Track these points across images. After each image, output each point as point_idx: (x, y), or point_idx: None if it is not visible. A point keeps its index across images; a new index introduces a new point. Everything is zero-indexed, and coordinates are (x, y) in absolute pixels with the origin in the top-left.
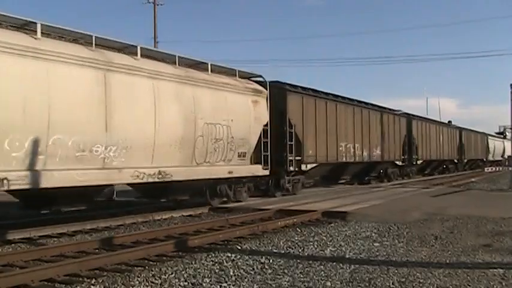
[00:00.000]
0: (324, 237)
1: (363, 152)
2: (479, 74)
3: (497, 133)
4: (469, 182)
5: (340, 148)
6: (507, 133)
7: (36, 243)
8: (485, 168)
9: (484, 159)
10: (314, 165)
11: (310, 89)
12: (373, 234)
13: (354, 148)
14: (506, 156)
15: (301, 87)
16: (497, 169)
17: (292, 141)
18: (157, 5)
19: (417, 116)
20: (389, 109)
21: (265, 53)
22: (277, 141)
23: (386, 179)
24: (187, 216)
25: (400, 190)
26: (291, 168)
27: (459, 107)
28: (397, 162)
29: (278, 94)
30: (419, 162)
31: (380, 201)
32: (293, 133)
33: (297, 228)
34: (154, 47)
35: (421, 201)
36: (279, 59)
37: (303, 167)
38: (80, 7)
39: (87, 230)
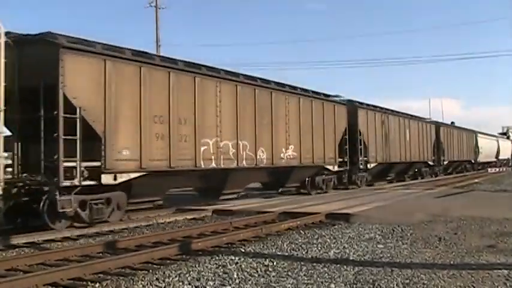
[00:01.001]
0: (328, 239)
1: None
2: (483, 75)
3: (500, 133)
4: (473, 183)
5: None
6: (510, 134)
7: (39, 248)
8: (489, 169)
9: (472, 161)
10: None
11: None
12: (376, 236)
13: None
14: (500, 158)
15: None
16: (502, 170)
17: (361, 145)
18: (160, 8)
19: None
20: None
21: (267, 55)
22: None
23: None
24: (190, 219)
25: (403, 192)
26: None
27: (462, 108)
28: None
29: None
30: (372, 165)
31: (383, 202)
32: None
33: (301, 231)
34: (157, 50)
35: (425, 202)
36: (281, 62)
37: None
38: (81, 11)
39: (91, 234)
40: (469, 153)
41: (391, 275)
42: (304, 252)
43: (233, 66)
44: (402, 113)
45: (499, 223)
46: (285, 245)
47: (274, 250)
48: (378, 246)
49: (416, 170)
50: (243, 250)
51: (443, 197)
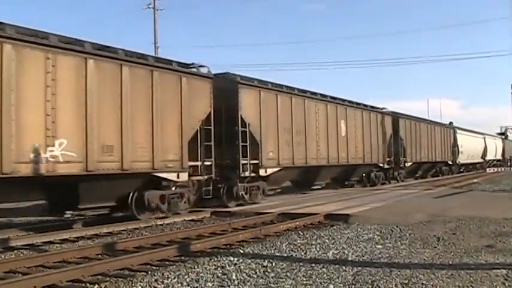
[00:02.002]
0: (327, 240)
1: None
2: (481, 75)
3: (498, 133)
4: (472, 183)
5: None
6: (508, 133)
7: (38, 250)
8: (487, 169)
9: (450, 162)
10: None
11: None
12: (375, 237)
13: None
14: (488, 159)
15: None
16: (500, 170)
17: (401, 148)
18: (157, 10)
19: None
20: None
21: (266, 56)
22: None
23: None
24: (189, 220)
25: (402, 192)
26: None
27: (461, 108)
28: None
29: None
30: (408, 164)
31: (382, 203)
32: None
33: (300, 231)
34: (155, 52)
35: (423, 202)
36: (281, 63)
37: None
38: (79, 13)
39: (90, 236)
40: (444, 153)
41: (390, 275)
42: (303, 253)
43: (232, 67)
44: (329, 96)
45: (498, 223)
46: (283, 246)
47: (273, 251)
48: (377, 246)
49: (364, 174)
50: (241, 251)
51: (441, 197)
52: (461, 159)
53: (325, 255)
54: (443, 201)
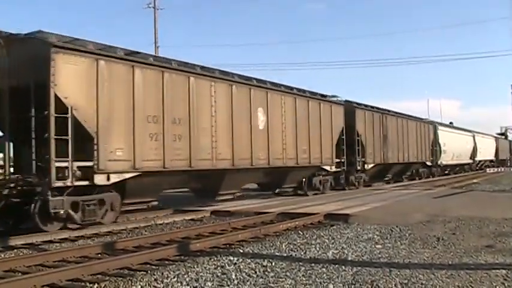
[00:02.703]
0: (326, 240)
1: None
2: (481, 76)
3: (498, 133)
4: (472, 183)
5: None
6: (508, 133)
7: (38, 249)
8: (487, 169)
9: (429, 163)
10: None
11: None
12: (375, 236)
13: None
14: (478, 159)
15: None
16: (500, 170)
17: (359, 146)
18: (158, 9)
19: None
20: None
21: (266, 56)
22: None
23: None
24: (189, 220)
25: (402, 192)
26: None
27: (461, 108)
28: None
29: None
30: (370, 166)
31: (382, 203)
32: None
33: (299, 231)
34: (155, 52)
35: (423, 202)
36: (280, 62)
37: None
38: (80, 12)
39: (90, 235)
40: (421, 152)
41: (390, 275)
42: (302, 253)
43: (230, 67)
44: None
45: (498, 223)
46: (283, 246)
47: (272, 251)
48: (376, 246)
49: (304, 179)
50: (241, 251)
51: (441, 197)
52: (444, 159)
53: (324, 255)
54: (442, 201)
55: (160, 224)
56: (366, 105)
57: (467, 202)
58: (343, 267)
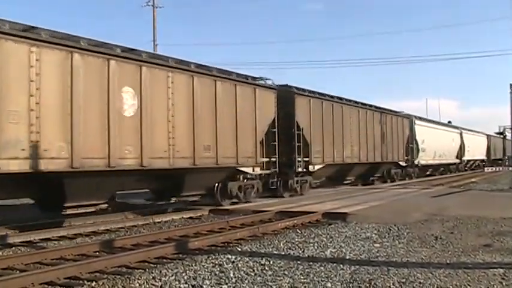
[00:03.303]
0: (324, 239)
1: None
2: (480, 75)
3: (496, 133)
4: (470, 183)
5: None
6: (507, 133)
7: (36, 246)
8: (485, 168)
9: (403, 163)
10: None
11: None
12: (373, 235)
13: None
14: (466, 159)
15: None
16: (498, 169)
17: (300, 142)
18: (156, 7)
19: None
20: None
21: (264, 55)
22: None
23: (390, 180)
24: (187, 218)
25: (400, 191)
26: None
27: (459, 108)
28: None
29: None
30: (317, 167)
31: (380, 202)
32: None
33: (297, 230)
34: (154, 50)
35: (421, 201)
36: (279, 62)
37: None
38: (78, 10)
39: (88, 233)
40: (394, 150)
41: (388, 274)
42: (300, 251)
43: (229, 66)
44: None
45: (496, 222)
46: (281, 244)
47: (270, 249)
48: (375, 245)
49: (219, 185)
50: (239, 249)
51: (439, 196)
52: (423, 159)
53: (323, 253)
54: (441, 200)
55: (158, 222)
56: (312, 92)
57: (465, 201)
58: (341, 265)
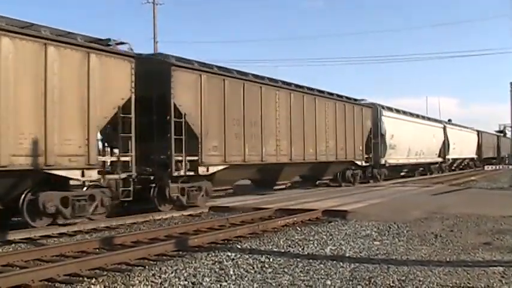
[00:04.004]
0: (324, 236)
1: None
2: (479, 73)
3: (497, 131)
4: (469, 181)
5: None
6: (507, 131)
7: (36, 243)
8: (485, 167)
9: (361, 163)
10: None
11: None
12: (373, 233)
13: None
14: (452, 157)
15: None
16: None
17: (181, 135)
18: (157, 4)
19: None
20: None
21: (264, 53)
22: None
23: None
24: (187, 215)
25: (400, 189)
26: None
27: (459, 106)
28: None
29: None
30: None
31: (380, 199)
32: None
33: (297, 227)
34: (154, 47)
35: (421, 199)
36: (279, 59)
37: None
38: (77, 7)
39: (88, 230)
40: (350, 147)
41: (387, 271)
42: (300, 249)
43: (230, 63)
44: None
45: (495, 221)
46: (281, 242)
47: (270, 246)
48: (374, 243)
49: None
50: (239, 246)
51: (439, 194)
52: (393, 157)
53: (322, 251)
54: (441, 198)
55: (158, 220)
56: (206, 65)
57: (465, 200)
58: (341, 263)
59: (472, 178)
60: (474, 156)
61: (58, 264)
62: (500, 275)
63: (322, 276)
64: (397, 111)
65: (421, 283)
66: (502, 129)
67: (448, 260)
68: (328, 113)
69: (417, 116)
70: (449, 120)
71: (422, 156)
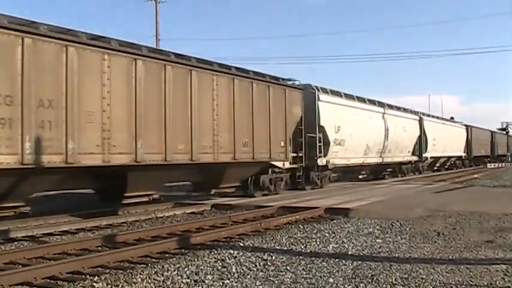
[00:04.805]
0: (327, 234)
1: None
2: (482, 71)
3: (499, 129)
4: (472, 179)
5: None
6: (509, 129)
7: (38, 241)
8: (488, 164)
9: (283, 164)
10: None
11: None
12: (375, 231)
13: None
14: (433, 156)
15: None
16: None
17: (321, 142)
18: (159, 2)
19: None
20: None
21: (267, 50)
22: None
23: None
24: (189, 213)
25: (402, 187)
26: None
27: (462, 103)
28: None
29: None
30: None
31: (383, 197)
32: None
33: (300, 225)
34: (156, 44)
35: (424, 197)
36: (282, 57)
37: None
38: (80, 5)
39: (90, 228)
40: (263, 144)
41: (390, 269)
42: (303, 247)
43: (231, 61)
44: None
45: (498, 218)
46: (283, 240)
47: (273, 244)
48: (377, 241)
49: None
50: (241, 244)
51: (441, 192)
52: (341, 157)
53: (325, 249)
54: (443, 196)
55: (160, 217)
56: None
57: (468, 197)
58: (344, 261)
59: (475, 176)
60: (462, 154)
61: (60, 262)
62: (503, 272)
63: (325, 274)
64: (347, 96)
65: (423, 281)
66: (504, 126)
67: (450, 257)
68: (219, 94)
69: (379, 103)
70: (452, 117)
71: (388, 155)
